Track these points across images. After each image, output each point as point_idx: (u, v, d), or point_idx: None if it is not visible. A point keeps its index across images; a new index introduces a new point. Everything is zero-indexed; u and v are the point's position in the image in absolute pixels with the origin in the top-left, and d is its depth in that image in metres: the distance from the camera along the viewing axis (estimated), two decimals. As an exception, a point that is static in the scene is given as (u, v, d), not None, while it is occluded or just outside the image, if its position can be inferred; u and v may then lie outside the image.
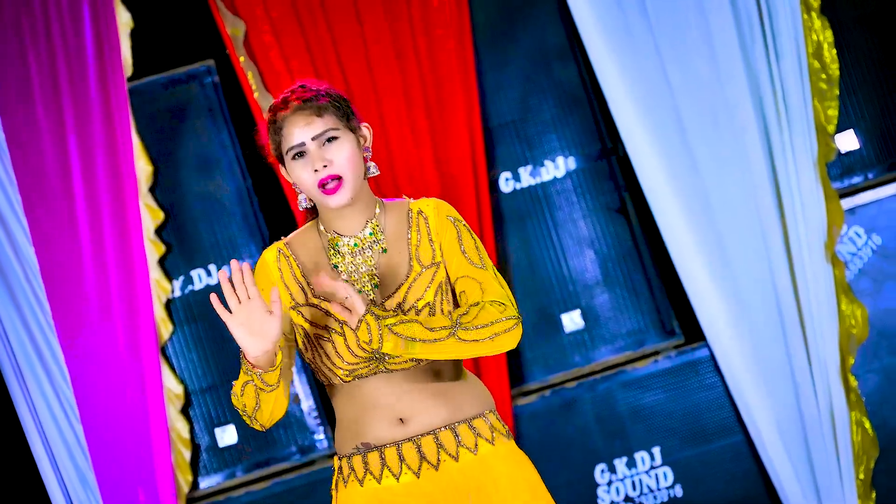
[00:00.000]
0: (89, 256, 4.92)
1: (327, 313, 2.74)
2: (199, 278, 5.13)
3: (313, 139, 2.71)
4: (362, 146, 2.78)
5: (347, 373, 2.74)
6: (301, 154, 2.72)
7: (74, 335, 4.90)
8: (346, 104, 2.77)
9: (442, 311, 2.74)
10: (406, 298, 2.73)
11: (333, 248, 2.78)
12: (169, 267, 5.10)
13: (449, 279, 2.78)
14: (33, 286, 4.95)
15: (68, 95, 4.94)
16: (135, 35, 5.03)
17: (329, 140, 2.72)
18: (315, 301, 2.75)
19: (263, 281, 2.79)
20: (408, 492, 2.74)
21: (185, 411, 5.09)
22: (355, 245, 2.77)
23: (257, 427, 2.78)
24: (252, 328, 2.63)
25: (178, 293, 5.12)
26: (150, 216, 5.03)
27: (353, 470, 2.77)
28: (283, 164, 2.77)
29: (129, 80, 5.03)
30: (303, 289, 2.77)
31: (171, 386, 5.05)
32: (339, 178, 2.71)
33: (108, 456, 4.90)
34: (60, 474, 4.95)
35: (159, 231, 5.08)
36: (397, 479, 2.74)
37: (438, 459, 2.74)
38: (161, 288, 5.04)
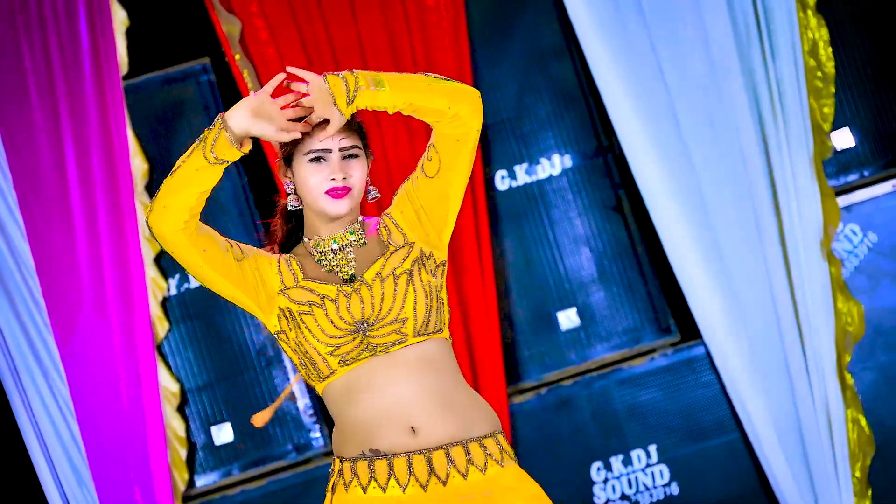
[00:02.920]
0: (85, 254, 4.92)
1: (311, 290, 2.80)
2: (195, 276, 5.13)
3: (340, 150, 2.82)
4: (368, 170, 2.89)
5: (332, 350, 2.77)
6: (320, 159, 2.81)
7: (70, 333, 4.90)
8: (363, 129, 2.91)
9: (420, 279, 2.82)
10: (384, 268, 2.82)
11: (317, 249, 2.87)
12: (165, 265, 5.10)
13: (426, 256, 2.87)
14: (29, 284, 4.95)
15: (64, 94, 4.94)
16: (130, 33, 5.03)
17: (350, 156, 2.83)
18: (304, 283, 2.82)
19: (263, 257, 2.86)
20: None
21: (181, 409, 5.09)
22: (335, 242, 2.86)
23: (160, 209, 2.79)
24: (261, 111, 2.73)
25: (173, 291, 5.12)
26: (145, 214, 5.02)
27: (356, 475, 2.77)
28: (289, 160, 2.85)
29: (125, 78, 5.03)
30: (294, 274, 2.84)
31: (167, 384, 5.05)
32: (348, 189, 2.82)
33: (104, 454, 4.90)
34: (56, 473, 4.95)
35: (155, 229, 5.07)
36: (403, 490, 2.75)
37: (447, 475, 2.76)
38: (157, 286, 5.04)
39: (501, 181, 5.19)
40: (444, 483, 2.75)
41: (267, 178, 5.10)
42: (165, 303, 5.10)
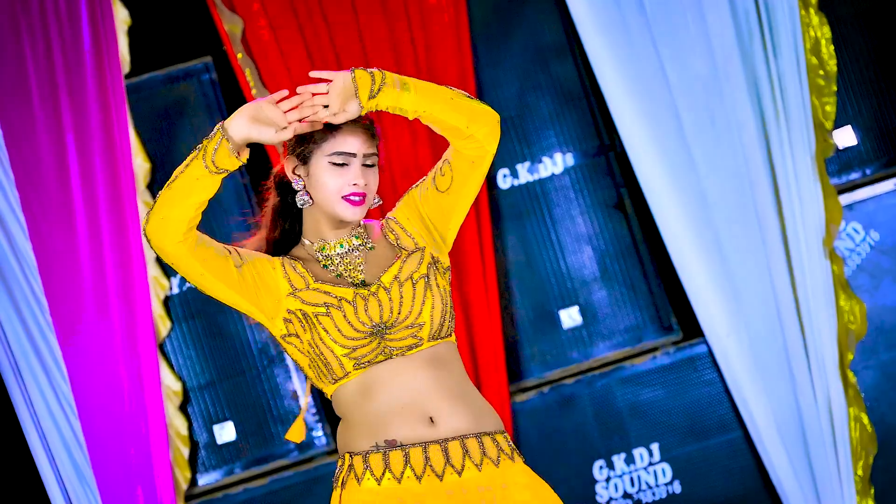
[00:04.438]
0: (87, 254, 4.92)
1: (326, 293, 2.80)
2: (197, 275, 5.12)
3: (364, 156, 2.83)
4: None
5: (348, 353, 2.77)
6: (344, 164, 2.81)
7: (72, 332, 4.90)
8: None
9: (437, 284, 2.84)
10: (401, 272, 2.83)
11: (321, 253, 2.87)
12: (166, 264, 5.09)
13: (435, 260, 2.88)
14: (31, 283, 4.95)
15: (66, 93, 4.94)
16: (132, 32, 5.03)
17: (370, 165, 2.85)
18: (316, 285, 2.81)
19: (267, 264, 2.84)
20: (428, 494, 2.75)
21: (183, 408, 5.09)
22: (341, 246, 2.87)
23: (158, 220, 2.75)
24: (260, 116, 2.72)
25: (175, 290, 5.12)
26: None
27: (368, 468, 2.77)
28: (305, 158, 2.83)
29: (127, 77, 5.03)
30: (304, 277, 2.83)
31: (170, 383, 5.05)
32: (364, 197, 2.83)
33: (106, 453, 4.90)
34: (58, 472, 4.95)
35: (157, 228, 5.07)
36: (419, 480, 2.75)
37: (463, 465, 2.77)
38: (159, 285, 5.04)
39: (503, 180, 5.19)
40: (460, 473, 2.76)
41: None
42: (167, 301, 5.10)
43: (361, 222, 2.92)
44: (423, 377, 2.79)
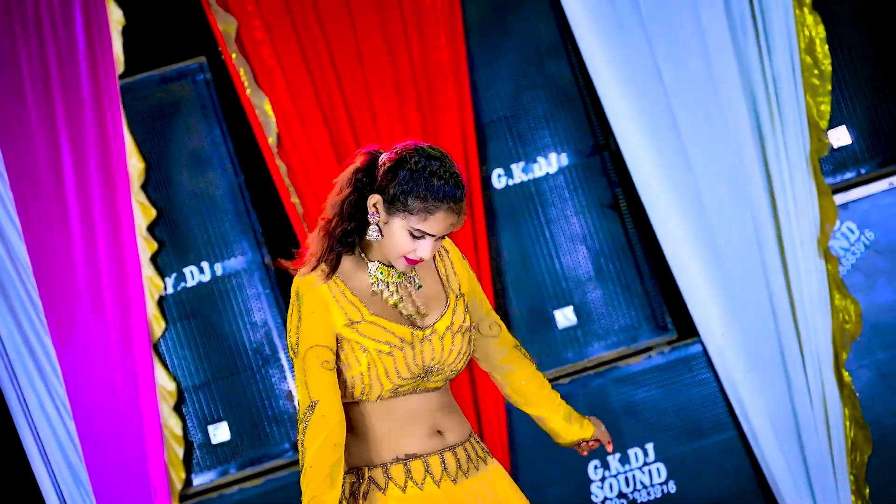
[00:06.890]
0: (81, 254, 4.92)
1: (385, 329, 2.92)
2: (192, 275, 5.13)
3: (437, 237, 2.90)
4: None
5: (394, 388, 2.91)
6: (420, 237, 2.88)
7: (67, 333, 4.90)
8: None
9: (470, 331, 3.03)
10: (453, 321, 2.98)
11: (379, 274, 2.95)
12: (161, 264, 5.10)
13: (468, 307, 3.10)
14: (25, 284, 4.95)
15: (60, 93, 4.94)
16: (126, 32, 5.03)
17: (440, 238, 2.92)
18: (372, 318, 2.91)
19: (318, 304, 2.90)
20: (448, 497, 2.94)
21: (177, 408, 5.09)
22: (399, 278, 2.96)
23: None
24: None
25: (170, 290, 5.12)
26: (142, 213, 5.03)
27: (390, 478, 2.92)
28: (389, 210, 2.87)
29: (121, 77, 5.03)
30: (357, 307, 2.93)
31: (164, 383, 5.04)
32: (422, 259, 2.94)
33: (100, 453, 4.90)
34: (53, 472, 4.95)
35: (151, 228, 5.08)
36: (438, 484, 2.93)
37: (468, 468, 2.99)
38: (153, 285, 5.04)
39: (498, 180, 5.19)
40: (467, 475, 2.97)
41: (264, 177, 5.10)
42: (162, 302, 5.10)
43: None
44: (436, 403, 2.99)
